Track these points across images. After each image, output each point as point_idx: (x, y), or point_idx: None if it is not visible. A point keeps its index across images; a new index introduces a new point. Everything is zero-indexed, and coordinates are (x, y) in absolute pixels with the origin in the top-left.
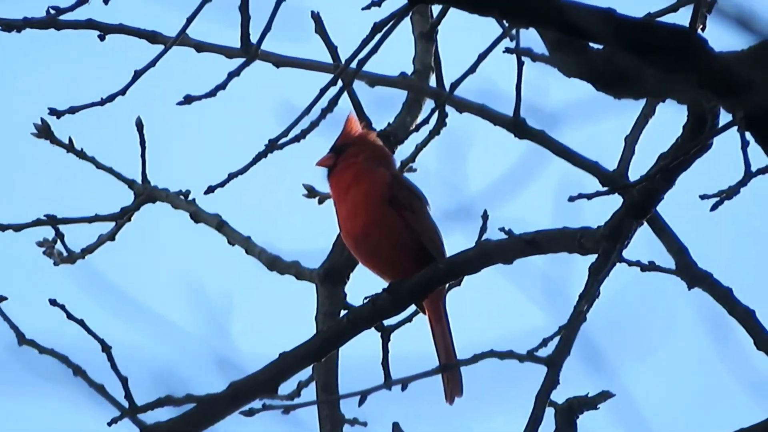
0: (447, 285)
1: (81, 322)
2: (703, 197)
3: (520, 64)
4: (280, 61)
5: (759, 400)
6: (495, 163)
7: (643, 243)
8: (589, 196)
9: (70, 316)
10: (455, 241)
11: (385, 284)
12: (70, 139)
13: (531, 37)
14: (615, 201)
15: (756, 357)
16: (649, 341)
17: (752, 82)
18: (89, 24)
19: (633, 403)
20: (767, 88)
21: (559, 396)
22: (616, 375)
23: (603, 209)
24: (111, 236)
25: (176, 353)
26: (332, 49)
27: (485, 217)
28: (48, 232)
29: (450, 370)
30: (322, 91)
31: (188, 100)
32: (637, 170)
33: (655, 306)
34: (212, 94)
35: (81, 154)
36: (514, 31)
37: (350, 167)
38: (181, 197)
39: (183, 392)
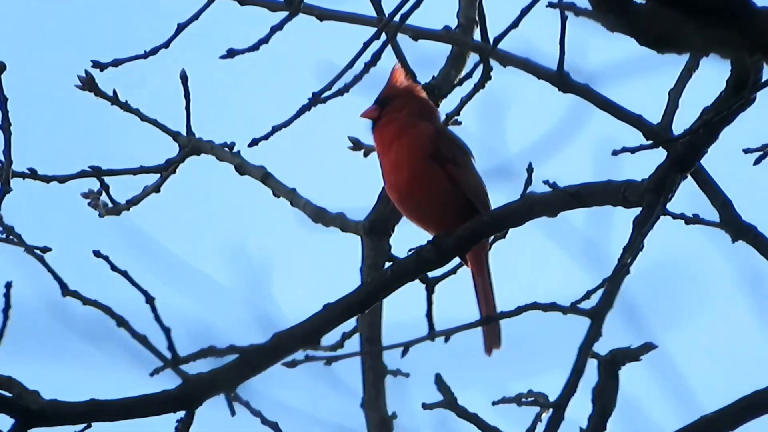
0: (491, 238)
1: (125, 274)
2: (746, 151)
3: (564, 19)
4: (323, 14)
5: None
6: (538, 118)
7: (688, 196)
8: (633, 150)
9: (114, 268)
10: (498, 199)
11: (429, 237)
12: (115, 92)
13: None
14: (658, 156)
15: None
16: (691, 296)
17: None
18: None
19: (672, 358)
20: None
21: (600, 350)
22: (656, 329)
23: (646, 164)
24: (156, 188)
25: (218, 309)
26: (376, 3)
27: (530, 170)
28: (93, 183)
29: (493, 322)
30: (366, 45)
31: (231, 53)
32: (680, 124)
33: (699, 260)
34: (255, 47)
35: (125, 107)
36: None
37: (394, 121)
38: (226, 149)
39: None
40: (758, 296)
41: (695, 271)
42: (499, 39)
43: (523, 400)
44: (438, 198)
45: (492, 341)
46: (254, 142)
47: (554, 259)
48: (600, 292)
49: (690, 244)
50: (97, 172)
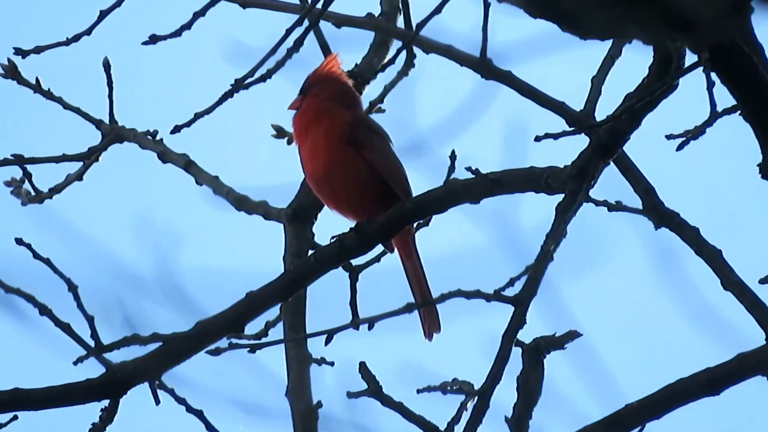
0: (415, 224)
1: (47, 261)
2: (669, 137)
3: (487, 5)
4: (246, 0)
5: (713, 336)
6: (458, 103)
7: (610, 183)
8: (556, 136)
9: (36, 256)
10: (415, 179)
11: (352, 224)
12: (37, 79)
13: None
14: (579, 142)
15: (722, 297)
16: (612, 283)
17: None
18: None
19: (593, 345)
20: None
21: (525, 336)
22: (576, 317)
23: (563, 151)
24: (79, 176)
25: (140, 295)
26: None
27: (453, 156)
28: (16, 171)
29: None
30: (288, 31)
31: (153, 39)
32: (603, 111)
33: (622, 246)
34: (177, 33)
35: (48, 94)
36: None
37: (310, 108)
38: (149, 137)
39: (147, 333)
40: (680, 283)
41: (617, 257)
42: (421, 25)
43: (449, 388)
44: (355, 183)
45: (431, 325)
46: (177, 129)
47: (468, 244)
48: (523, 278)
49: (612, 230)
50: (19, 159)
